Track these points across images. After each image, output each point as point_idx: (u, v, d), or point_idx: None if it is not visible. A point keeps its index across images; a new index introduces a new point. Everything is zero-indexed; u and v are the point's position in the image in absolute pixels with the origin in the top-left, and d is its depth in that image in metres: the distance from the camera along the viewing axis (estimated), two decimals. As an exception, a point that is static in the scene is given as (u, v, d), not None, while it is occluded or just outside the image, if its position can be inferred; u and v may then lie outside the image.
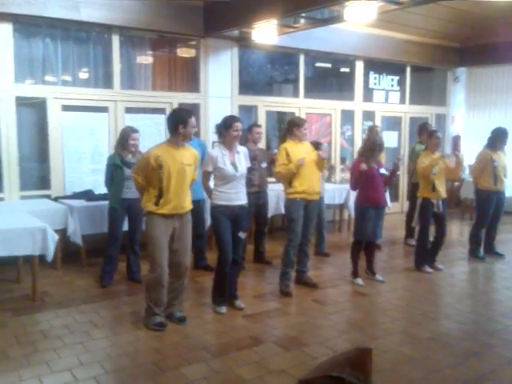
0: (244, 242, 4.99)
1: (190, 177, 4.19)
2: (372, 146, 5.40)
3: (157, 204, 4.03)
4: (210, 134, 7.16)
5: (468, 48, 9.96)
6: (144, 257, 5.13)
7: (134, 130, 5.24)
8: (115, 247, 5.28)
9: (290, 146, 5.06)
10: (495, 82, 10.35)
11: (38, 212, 5.36)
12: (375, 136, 6.20)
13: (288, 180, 5.05)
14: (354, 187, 5.48)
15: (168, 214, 4.06)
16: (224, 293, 4.58)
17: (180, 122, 4.03)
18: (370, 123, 9.14)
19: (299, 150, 5.01)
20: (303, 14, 6.56)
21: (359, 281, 5.44)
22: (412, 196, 6.81)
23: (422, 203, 5.84)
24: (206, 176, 4.52)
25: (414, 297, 5.17)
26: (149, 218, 4.12)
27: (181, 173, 4.06)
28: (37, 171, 6.56)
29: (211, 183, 4.61)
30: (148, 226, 4.15)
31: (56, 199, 6.20)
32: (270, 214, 6.80)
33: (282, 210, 6.45)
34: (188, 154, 4.17)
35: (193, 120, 4.10)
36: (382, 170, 5.42)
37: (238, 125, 4.44)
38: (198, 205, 5.53)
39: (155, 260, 4.11)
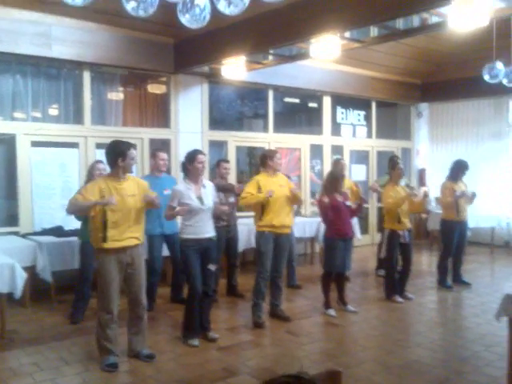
0: (216, 275, 5.00)
1: (136, 207, 4.05)
2: (331, 177, 5.56)
3: (104, 239, 3.91)
4: (179, 170, 7.20)
5: (429, 84, 10.42)
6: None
7: (99, 161, 5.18)
8: (87, 284, 5.17)
9: (263, 178, 5.14)
10: (455, 116, 10.78)
11: (6, 249, 5.26)
12: (335, 168, 6.39)
13: (255, 209, 5.13)
14: (324, 221, 5.60)
15: (117, 248, 3.96)
16: (193, 326, 4.54)
17: (119, 155, 3.94)
18: (339, 156, 9.36)
19: (272, 183, 5.09)
20: (271, 51, 6.76)
21: (331, 312, 5.48)
22: (382, 227, 6.94)
23: (389, 235, 6.00)
24: (169, 209, 4.47)
25: (386, 326, 5.23)
26: (99, 255, 4.01)
27: (123, 204, 3.95)
28: (5, 208, 6.47)
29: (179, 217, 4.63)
30: (99, 264, 4.03)
31: (24, 236, 6.10)
32: (242, 247, 6.83)
33: (254, 244, 6.48)
34: (131, 185, 4.06)
35: (132, 152, 4.00)
36: (348, 203, 5.55)
37: (201, 157, 4.51)
38: (173, 239, 5.52)
39: (105, 300, 4.00)
